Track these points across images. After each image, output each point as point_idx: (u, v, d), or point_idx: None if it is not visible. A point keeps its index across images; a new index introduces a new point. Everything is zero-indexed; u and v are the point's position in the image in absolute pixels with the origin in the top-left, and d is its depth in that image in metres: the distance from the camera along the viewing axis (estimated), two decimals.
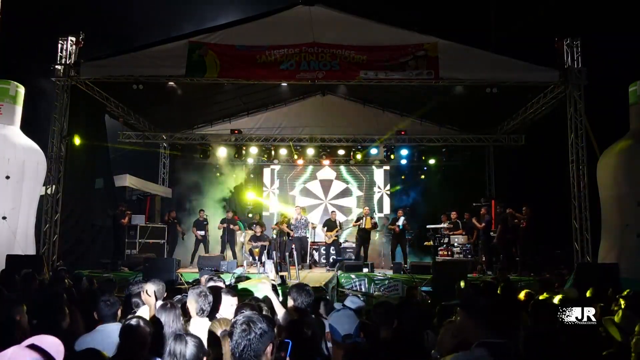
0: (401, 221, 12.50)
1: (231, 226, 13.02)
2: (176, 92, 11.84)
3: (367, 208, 13.33)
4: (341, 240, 13.70)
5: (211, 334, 3.20)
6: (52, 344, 2.05)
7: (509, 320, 2.04)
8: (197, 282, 6.95)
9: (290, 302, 3.59)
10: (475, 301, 2.10)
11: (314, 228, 13.36)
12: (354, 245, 14.09)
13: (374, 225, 12.89)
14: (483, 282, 7.05)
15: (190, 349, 2.35)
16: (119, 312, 3.64)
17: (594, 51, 10.74)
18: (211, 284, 4.67)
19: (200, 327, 3.54)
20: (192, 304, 3.69)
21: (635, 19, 10.69)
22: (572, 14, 11.64)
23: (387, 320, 3.19)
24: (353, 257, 12.73)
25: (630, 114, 10.34)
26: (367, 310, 4.93)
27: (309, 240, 13.16)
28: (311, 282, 8.88)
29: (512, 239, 11.03)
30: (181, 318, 3.28)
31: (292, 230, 12.37)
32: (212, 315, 3.97)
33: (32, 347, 1.96)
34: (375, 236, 14.34)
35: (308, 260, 12.87)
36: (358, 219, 13.08)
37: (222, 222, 13.12)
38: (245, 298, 4.99)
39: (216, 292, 4.07)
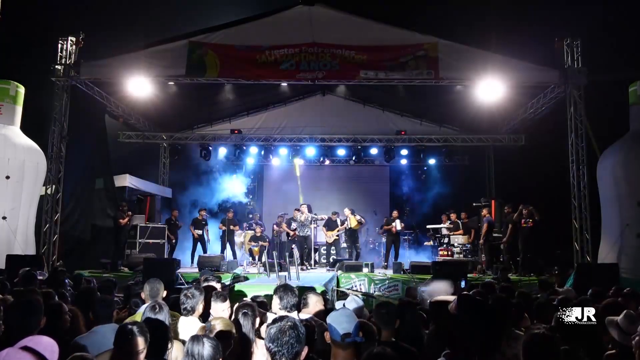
0: (398, 222, 12.50)
1: (231, 227, 13.01)
2: (176, 92, 11.86)
3: (347, 208, 13.09)
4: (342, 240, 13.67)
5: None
6: (47, 345, 2.05)
7: (475, 334, 2.11)
8: (197, 282, 6.95)
9: (276, 301, 3.62)
10: (455, 318, 2.16)
11: (322, 219, 13.05)
12: None
13: (360, 222, 12.88)
14: (482, 282, 7.05)
15: (207, 349, 2.41)
16: (115, 312, 3.63)
17: (594, 51, 10.73)
18: (205, 283, 4.69)
19: (186, 326, 3.55)
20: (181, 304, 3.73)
21: (635, 19, 10.68)
22: (572, 14, 11.62)
23: (388, 320, 3.19)
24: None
25: (630, 114, 10.34)
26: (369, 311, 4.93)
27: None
28: (311, 282, 8.87)
29: (516, 239, 11.02)
30: (170, 318, 3.26)
31: (293, 231, 12.33)
32: (205, 314, 3.98)
33: (26, 348, 1.96)
34: (364, 235, 14.46)
35: (312, 260, 12.53)
36: (343, 222, 12.95)
37: (222, 222, 13.13)
38: (241, 299, 4.99)
39: (207, 292, 4.09)
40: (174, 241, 13.08)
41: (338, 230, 12.90)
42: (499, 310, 3.31)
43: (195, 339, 2.45)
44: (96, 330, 3.36)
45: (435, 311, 3.57)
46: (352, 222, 12.65)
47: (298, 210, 12.31)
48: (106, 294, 4.78)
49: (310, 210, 12.35)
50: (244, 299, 4.82)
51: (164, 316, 3.15)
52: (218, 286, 4.92)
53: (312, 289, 6.82)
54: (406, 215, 15.23)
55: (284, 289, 3.69)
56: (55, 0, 12.34)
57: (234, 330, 3.17)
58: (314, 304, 3.88)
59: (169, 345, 3.04)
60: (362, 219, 13.05)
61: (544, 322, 3.98)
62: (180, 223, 13.43)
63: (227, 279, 8.96)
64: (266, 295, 6.16)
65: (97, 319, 3.49)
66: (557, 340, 2.55)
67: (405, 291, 7.12)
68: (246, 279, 9.20)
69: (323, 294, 4.97)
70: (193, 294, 3.67)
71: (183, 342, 3.32)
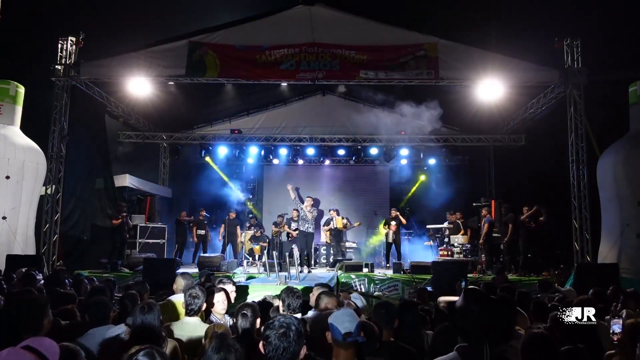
0: (401, 218, 12.50)
1: (237, 227, 13.05)
2: (176, 92, 11.87)
3: (332, 210, 13.14)
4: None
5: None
6: (48, 346, 2.06)
7: (484, 329, 2.12)
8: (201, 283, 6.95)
9: (281, 304, 3.64)
10: (461, 310, 2.15)
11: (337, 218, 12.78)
12: (354, 245, 14.11)
13: (345, 226, 12.91)
14: (484, 283, 7.05)
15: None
16: (112, 313, 3.62)
17: (594, 51, 10.74)
18: (220, 286, 4.70)
19: (189, 325, 3.56)
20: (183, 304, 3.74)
21: (635, 19, 10.69)
22: (572, 14, 11.63)
23: (388, 320, 3.19)
24: (353, 257, 12.74)
25: (631, 114, 10.34)
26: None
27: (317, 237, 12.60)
28: (311, 282, 8.88)
29: (516, 239, 11.03)
30: (160, 317, 3.25)
31: (293, 231, 12.30)
32: (206, 313, 4.01)
33: (28, 348, 1.97)
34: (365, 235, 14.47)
35: (312, 263, 11.86)
36: (328, 222, 12.98)
37: (224, 222, 13.14)
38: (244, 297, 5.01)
39: (209, 292, 4.12)
40: (191, 239, 13.10)
41: (326, 233, 12.94)
42: (505, 303, 3.32)
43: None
44: (92, 332, 3.35)
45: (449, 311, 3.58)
46: (339, 223, 12.69)
47: (297, 210, 12.23)
48: (106, 294, 4.77)
49: (316, 205, 11.98)
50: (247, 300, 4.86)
51: (153, 316, 3.14)
52: (232, 288, 4.94)
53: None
54: (406, 215, 15.22)
55: (287, 291, 3.73)
56: (55, 0, 12.34)
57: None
58: (325, 304, 3.93)
59: (163, 345, 3.05)
60: (348, 223, 13.09)
61: (541, 322, 3.99)
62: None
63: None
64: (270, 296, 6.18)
65: (92, 321, 3.47)
66: (556, 341, 2.55)
67: (418, 292, 7.00)
68: (248, 278, 9.21)
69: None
70: (197, 294, 3.68)
71: (178, 340, 3.34)
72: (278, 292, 5.21)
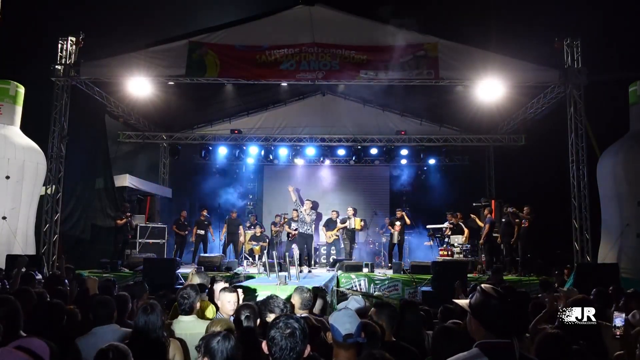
0: (405, 218, 12.51)
1: (239, 227, 13.06)
2: (176, 92, 11.86)
3: (351, 209, 13.16)
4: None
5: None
6: (38, 345, 2.10)
7: (513, 321, 2.05)
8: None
9: (297, 302, 3.63)
10: (484, 305, 2.08)
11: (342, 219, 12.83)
12: (354, 245, 14.11)
13: (363, 226, 12.90)
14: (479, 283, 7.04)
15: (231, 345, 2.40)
16: (115, 313, 3.62)
17: (594, 51, 10.74)
18: (215, 284, 4.69)
19: (185, 325, 3.56)
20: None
21: (634, 19, 10.70)
22: (572, 14, 11.64)
23: (389, 321, 3.19)
24: (355, 257, 12.74)
25: (630, 114, 10.35)
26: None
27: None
28: (311, 282, 8.87)
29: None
30: (162, 318, 3.26)
31: (294, 231, 12.28)
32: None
33: (20, 348, 2.01)
34: (366, 236, 14.51)
35: (312, 263, 11.72)
36: (344, 221, 12.95)
37: (225, 222, 13.14)
38: (246, 296, 5.01)
39: (210, 292, 4.10)
40: (192, 239, 13.09)
41: (338, 230, 12.88)
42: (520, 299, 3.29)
43: (223, 335, 2.42)
44: (95, 332, 3.35)
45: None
46: (357, 223, 12.69)
47: (296, 210, 12.19)
48: (106, 294, 4.78)
49: (315, 208, 11.97)
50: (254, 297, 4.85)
51: (156, 316, 3.15)
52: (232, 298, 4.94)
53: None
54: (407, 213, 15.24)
55: (299, 291, 3.80)
56: (55, 1, 12.35)
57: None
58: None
59: (166, 345, 3.05)
60: (362, 224, 13.10)
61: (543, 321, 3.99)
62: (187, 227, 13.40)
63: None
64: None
65: (96, 320, 3.47)
66: (569, 340, 2.55)
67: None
68: (248, 278, 9.21)
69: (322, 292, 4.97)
70: (189, 294, 3.69)
71: (180, 340, 3.34)
72: (277, 292, 5.21)
